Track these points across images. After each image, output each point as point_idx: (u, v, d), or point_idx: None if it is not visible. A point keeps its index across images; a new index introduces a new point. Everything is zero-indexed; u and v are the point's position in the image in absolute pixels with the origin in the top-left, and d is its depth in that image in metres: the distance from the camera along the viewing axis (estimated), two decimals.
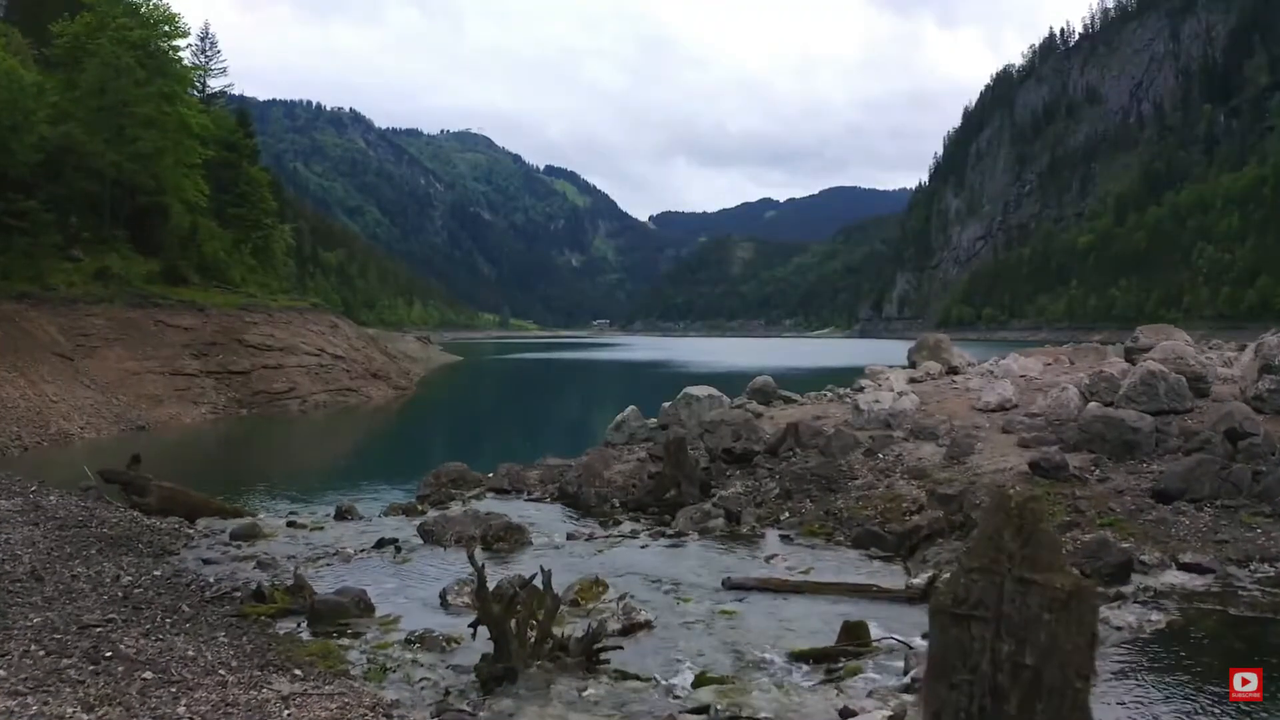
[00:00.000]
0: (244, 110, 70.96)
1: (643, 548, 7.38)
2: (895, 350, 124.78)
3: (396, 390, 44.33)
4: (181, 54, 49.23)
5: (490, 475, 12.17)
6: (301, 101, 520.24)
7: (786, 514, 8.29)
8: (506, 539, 7.26)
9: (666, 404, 13.94)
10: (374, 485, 16.84)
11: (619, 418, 14.22)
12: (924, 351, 16.77)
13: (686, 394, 14.05)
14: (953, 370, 15.80)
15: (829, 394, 15.36)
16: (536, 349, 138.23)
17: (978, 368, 15.70)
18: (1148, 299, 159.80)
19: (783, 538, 7.69)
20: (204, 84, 70.34)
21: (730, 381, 59.63)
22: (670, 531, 8.05)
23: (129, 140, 41.46)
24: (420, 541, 7.73)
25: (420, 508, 10.02)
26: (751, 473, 10.42)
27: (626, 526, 8.99)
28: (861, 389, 14.44)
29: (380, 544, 7.53)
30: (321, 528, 8.85)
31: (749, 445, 10.88)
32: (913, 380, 14.12)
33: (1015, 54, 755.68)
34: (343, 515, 9.51)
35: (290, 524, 9.01)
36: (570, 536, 7.97)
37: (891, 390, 11.98)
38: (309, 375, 38.76)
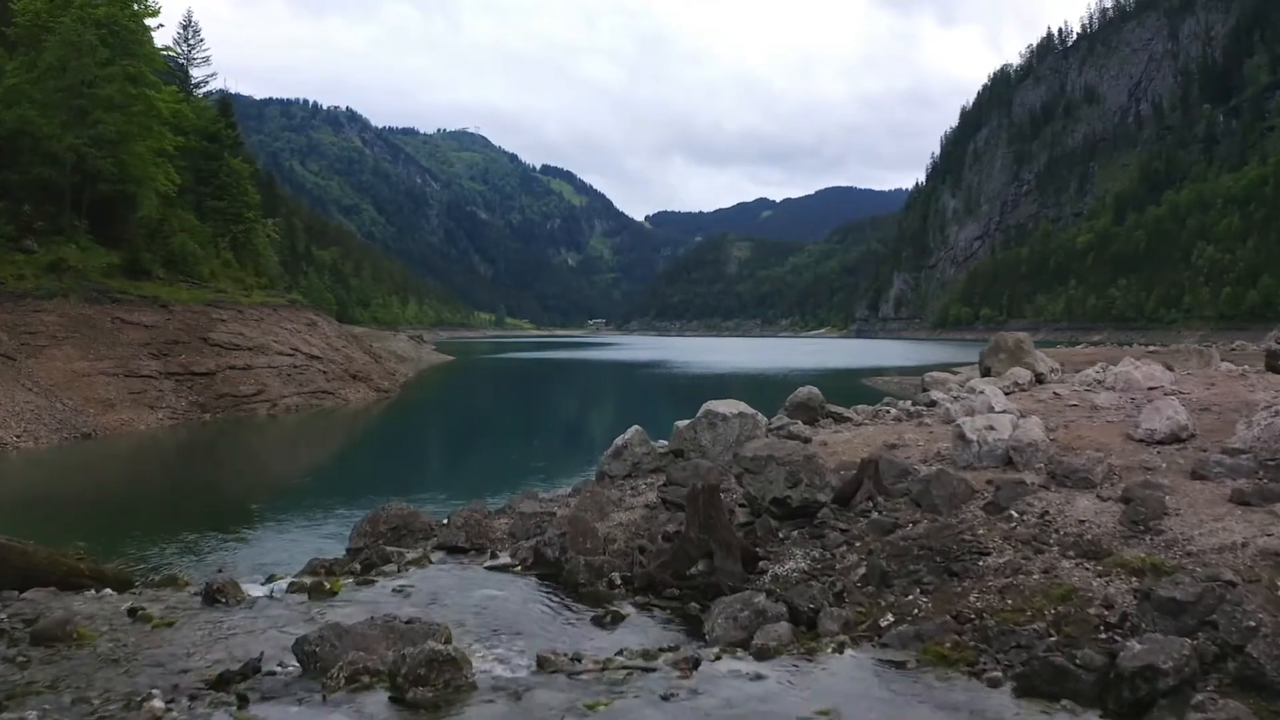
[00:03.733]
0: (226, 100, 68.64)
1: (665, 698, 4.44)
2: (894, 350, 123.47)
3: (378, 393, 41.50)
4: (152, 34, 46.23)
5: (444, 522, 9.16)
6: (298, 100, 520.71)
7: (890, 617, 5.38)
8: (431, 680, 4.30)
9: (681, 423, 10.70)
10: (314, 516, 14.15)
11: (619, 441, 10.86)
12: (1002, 355, 13.77)
13: (709, 411, 10.36)
14: (1038, 378, 12.97)
15: (893, 409, 12.20)
16: (532, 348, 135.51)
17: (1080, 376, 12.80)
18: (1147, 299, 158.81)
19: (893, 665, 4.69)
20: (186, 72, 68.24)
21: (735, 384, 56.80)
22: (708, 654, 5.06)
23: (90, 124, 38.69)
24: (294, 671, 4.85)
25: (331, 586, 6.99)
26: (818, 535, 7.20)
27: (632, 629, 5.92)
28: (933, 404, 11.53)
29: (224, 681, 4.65)
30: (171, 623, 6.00)
31: (811, 493, 7.54)
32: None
33: (1015, 52, 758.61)
34: (214, 598, 6.53)
35: (132, 613, 6.17)
36: (542, 664, 4.95)
37: (991, 407, 9.03)
38: (280, 377, 35.93)
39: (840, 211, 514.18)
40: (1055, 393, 11.20)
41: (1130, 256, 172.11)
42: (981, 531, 6.26)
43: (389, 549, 8.07)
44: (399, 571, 7.49)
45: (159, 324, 35.07)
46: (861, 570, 6.22)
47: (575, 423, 35.35)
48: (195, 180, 53.68)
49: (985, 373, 13.64)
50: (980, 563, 5.81)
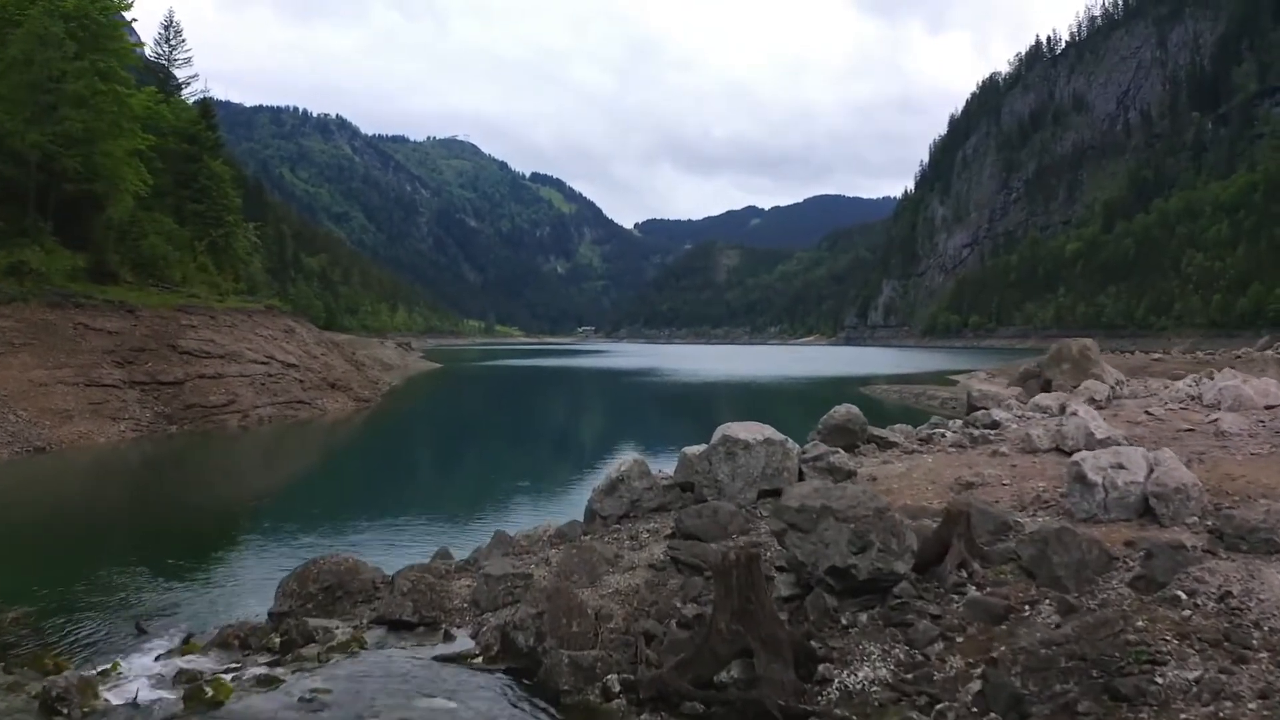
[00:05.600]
0: (206, 102, 67.21)
1: None
2: (885, 357, 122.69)
3: (358, 403, 39.74)
4: (124, 29, 44.52)
5: (389, 582, 7.32)
6: (288, 108, 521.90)
7: None
8: None
9: (692, 450, 8.68)
10: (267, 547, 12.55)
11: (613, 474, 8.68)
12: (1064, 365, 11.95)
13: (727, 438, 8.21)
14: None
15: (947, 432, 10.26)
16: (520, 355, 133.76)
17: (1170, 391, 11.08)
18: (1137, 306, 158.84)
19: None
20: (167, 73, 66.98)
21: (726, 393, 55.16)
22: None
23: (57, 120, 37.03)
24: None
25: (215, 692, 5.23)
26: (899, 622, 5.16)
27: None
28: (995, 425, 9.82)
29: None
30: None
31: (886, 561, 5.49)
32: (1069, 410, 9.46)
33: (1003, 60, 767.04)
34: (54, 708, 4.88)
35: None
36: None
37: (1091, 433, 7.35)
38: (253, 386, 34.15)
39: (829, 219, 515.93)
40: (1149, 412, 9.44)
41: (1119, 264, 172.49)
42: (1141, 624, 4.47)
43: (314, 624, 6.32)
44: (319, 661, 5.73)
45: (124, 330, 33.25)
46: (975, 685, 4.41)
47: (563, 435, 33.62)
48: (175, 183, 52.11)
49: (1045, 386, 11.83)
50: (1157, 679, 4.08)
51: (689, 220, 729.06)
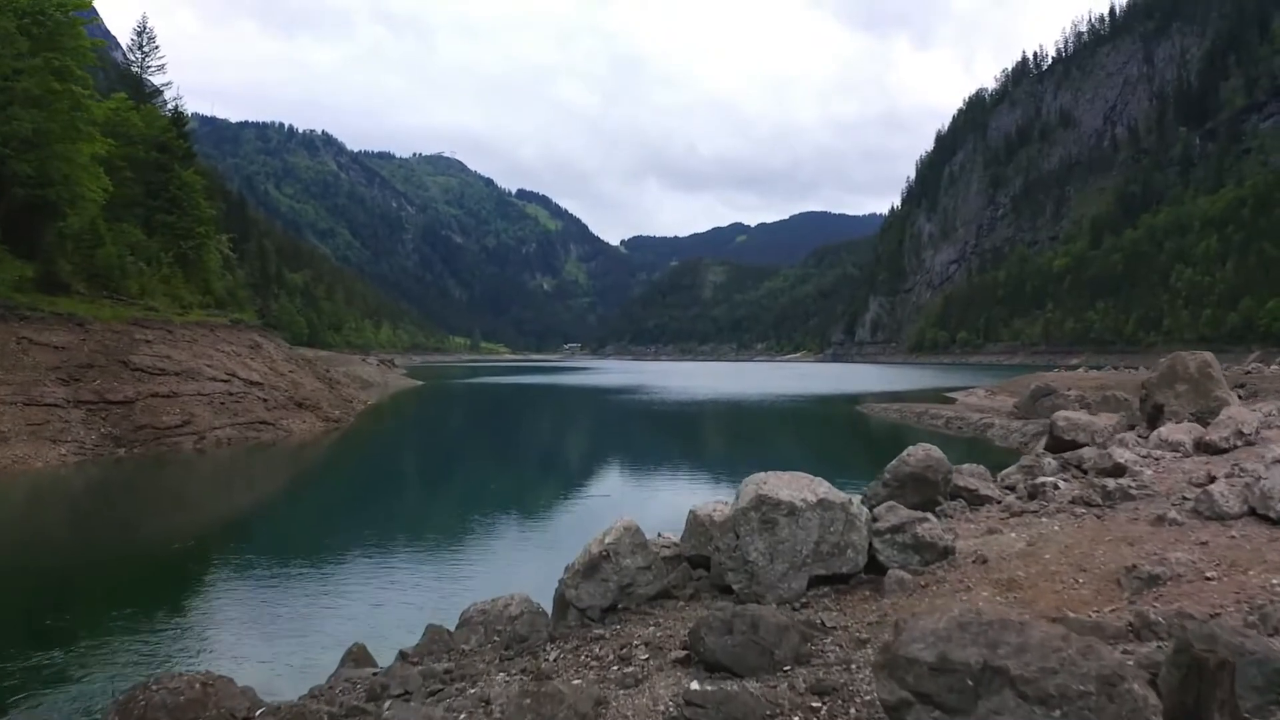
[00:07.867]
0: (179, 109, 65.19)
1: None
2: (874, 374, 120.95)
3: (327, 423, 37.31)
4: (83, 29, 42.32)
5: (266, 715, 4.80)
6: (274, 124, 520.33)
7: None
8: None
9: (705, 511, 6.26)
10: (161, 622, 10.29)
11: (595, 549, 5.87)
12: (1180, 386, 9.28)
13: (762, 498, 5.61)
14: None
15: (1060, 482, 7.30)
16: (505, 372, 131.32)
17: None
18: (1126, 322, 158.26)
19: None
20: (140, 80, 65.19)
21: (717, 412, 52.84)
22: None
23: (5, 120, 34.85)
24: None
25: None
26: None
27: None
28: (1120, 470, 7.32)
29: None
30: None
31: None
32: (1211, 447, 7.08)
33: (990, 76, 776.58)
34: None
35: None
36: None
37: None
38: (211, 406, 31.69)
39: (815, 236, 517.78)
40: None
41: (1108, 280, 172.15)
42: None
43: None
44: None
45: (72, 345, 30.81)
46: None
47: (542, 463, 31.07)
48: (145, 193, 49.98)
49: (1155, 413, 9.30)
50: None
51: (675, 237, 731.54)
